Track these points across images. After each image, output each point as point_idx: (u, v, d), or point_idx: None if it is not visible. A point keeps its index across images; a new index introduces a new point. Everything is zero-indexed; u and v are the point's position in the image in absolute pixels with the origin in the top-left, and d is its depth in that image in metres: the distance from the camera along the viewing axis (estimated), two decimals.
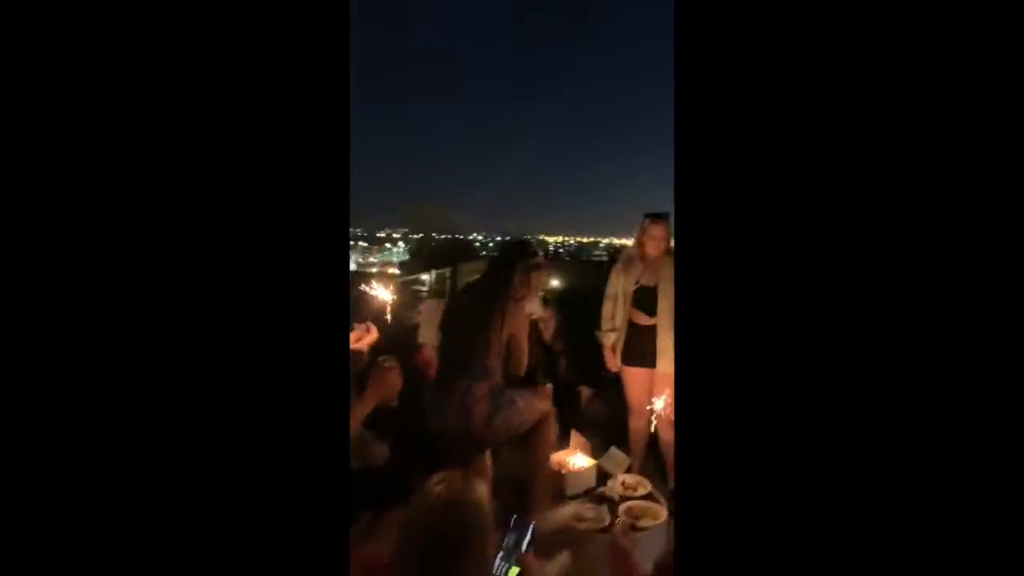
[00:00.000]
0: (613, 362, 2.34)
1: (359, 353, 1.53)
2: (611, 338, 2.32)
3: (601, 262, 10.79)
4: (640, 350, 2.25)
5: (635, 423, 2.33)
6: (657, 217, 2.23)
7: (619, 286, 2.30)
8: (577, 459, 2.05)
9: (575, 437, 2.15)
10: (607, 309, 2.35)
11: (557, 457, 2.05)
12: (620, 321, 2.29)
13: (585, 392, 2.84)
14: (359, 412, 1.42)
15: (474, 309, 1.75)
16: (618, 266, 2.35)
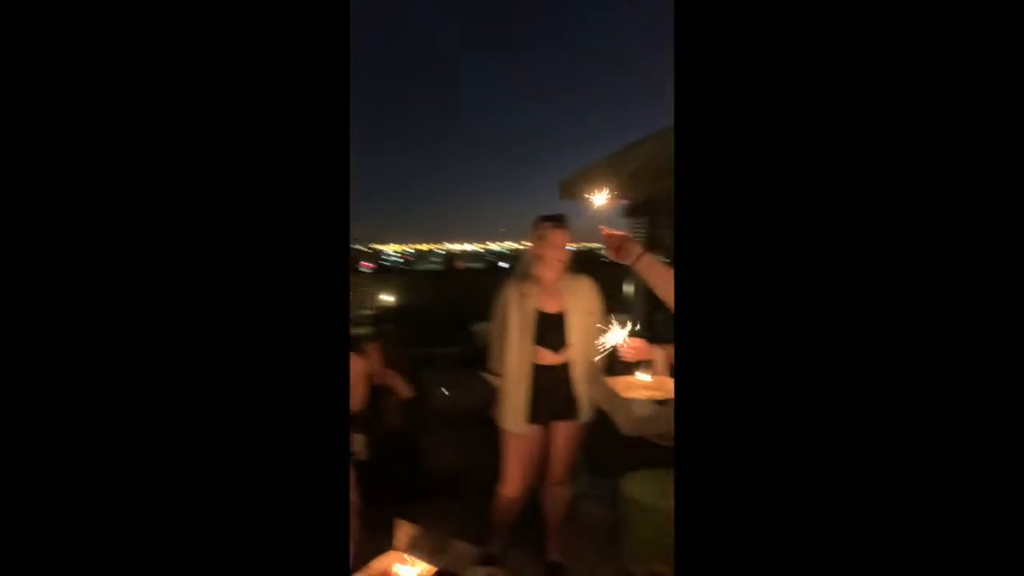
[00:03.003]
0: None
1: None
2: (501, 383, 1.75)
3: (438, 271, 10.24)
4: (550, 401, 1.70)
5: (515, 497, 1.76)
6: (556, 220, 1.65)
7: (516, 314, 1.68)
8: (403, 570, 1.35)
9: (403, 530, 1.43)
10: (497, 347, 1.74)
11: (380, 565, 1.33)
12: (519, 363, 1.67)
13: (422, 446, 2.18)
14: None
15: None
16: (511, 290, 1.71)
